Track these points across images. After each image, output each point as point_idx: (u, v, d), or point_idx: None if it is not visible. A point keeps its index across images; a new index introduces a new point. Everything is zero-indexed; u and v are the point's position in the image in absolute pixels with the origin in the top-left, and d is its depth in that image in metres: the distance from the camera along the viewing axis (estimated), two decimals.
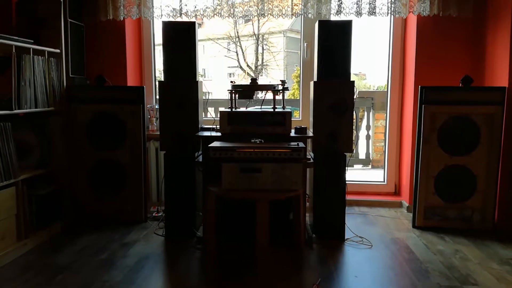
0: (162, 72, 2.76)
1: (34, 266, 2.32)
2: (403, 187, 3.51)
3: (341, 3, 3.05)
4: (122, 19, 3.14)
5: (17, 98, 2.48)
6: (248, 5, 3.14)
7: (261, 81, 2.74)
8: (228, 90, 2.66)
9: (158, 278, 2.23)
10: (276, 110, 2.62)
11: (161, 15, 3.16)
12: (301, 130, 2.64)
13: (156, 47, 3.63)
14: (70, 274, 2.23)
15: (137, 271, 2.27)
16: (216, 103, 4.11)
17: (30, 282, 2.13)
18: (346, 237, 2.73)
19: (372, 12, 3.07)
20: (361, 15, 3.07)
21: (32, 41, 2.65)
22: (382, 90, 4.91)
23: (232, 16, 3.14)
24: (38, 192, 2.69)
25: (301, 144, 2.36)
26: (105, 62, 3.31)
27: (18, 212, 2.50)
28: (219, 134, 2.60)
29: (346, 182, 2.73)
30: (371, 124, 4.38)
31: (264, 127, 2.56)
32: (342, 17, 3.07)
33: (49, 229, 2.77)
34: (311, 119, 2.78)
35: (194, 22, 2.75)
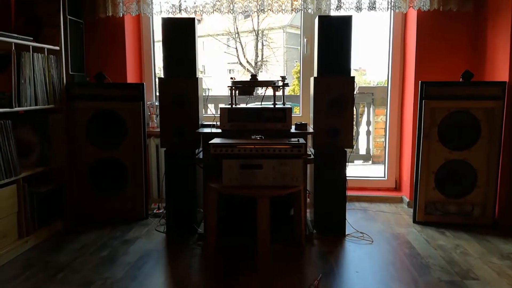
0: (162, 68, 2.75)
1: (35, 264, 2.33)
2: (404, 182, 3.52)
3: None
4: (121, 15, 3.13)
5: (17, 96, 2.48)
6: (248, 1, 3.13)
7: (261, 77, 2.73)
8: (228, 86, 2.66)
9: (160, 275, 2.23)
10: (276, 106, 2.61)
11: (161, 11, 3.15)
12: (301, 126, 2.63)
13: (155, 43, 3.62)
14: (72, 271, 2.24)
15: (138, 268, 2.28)
16: (216, 99, 4.10)
17: (31, 280, 2.14)
18: (347, 233, 2.74)
19: (372, 7, 3.06)
20: (361, 10, 3.06)
21: (32, 38, 2.64)
22: (382, 85, 4.90)
23: (231, 12, 3.13)
24: (39, 190, 2.69)
25: (302, 140, 2.36)
26: (105, 59, 3.31)
27: (19, 210, 2.50)
28: (219, 130, 2.60)
29: (347, 177, 2.74)
30: (371, 119, 4.37)
31: (265, 123, 2.56)
32: (342, 12, 3.06)
33: (50, 227, 2.77)
34: (311, 115, 2.78)
35: (194, 18, 2.74)
